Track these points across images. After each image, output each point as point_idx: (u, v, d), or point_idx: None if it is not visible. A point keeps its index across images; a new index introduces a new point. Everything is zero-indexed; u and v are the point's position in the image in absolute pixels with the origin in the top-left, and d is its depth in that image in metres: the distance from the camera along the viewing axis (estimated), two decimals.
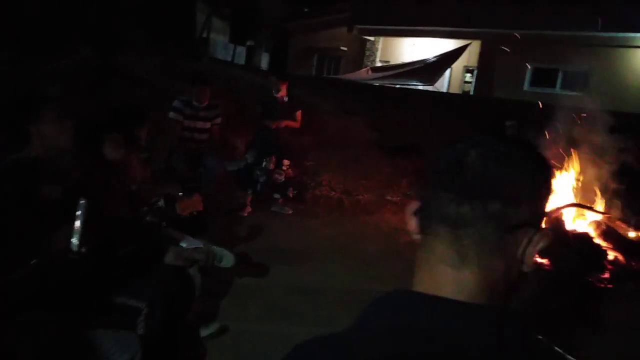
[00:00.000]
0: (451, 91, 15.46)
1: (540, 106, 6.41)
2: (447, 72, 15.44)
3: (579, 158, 5.67)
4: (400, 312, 0.65)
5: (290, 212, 5.64)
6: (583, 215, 5.16)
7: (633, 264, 4.60)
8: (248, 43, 18.33)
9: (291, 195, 5.89)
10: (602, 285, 4.34)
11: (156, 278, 2.29)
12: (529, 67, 14.03)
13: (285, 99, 5.54)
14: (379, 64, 16.79)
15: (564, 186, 5.64)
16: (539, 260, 4.65)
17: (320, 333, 0.68)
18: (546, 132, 5.81)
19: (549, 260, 4.60)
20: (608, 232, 4.95)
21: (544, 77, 13.81)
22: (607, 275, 4.46)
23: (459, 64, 15.27)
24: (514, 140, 0.70)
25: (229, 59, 16.24)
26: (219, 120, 5.03)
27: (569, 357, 0.64)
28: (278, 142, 5.50)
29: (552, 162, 5.75)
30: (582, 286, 4.23)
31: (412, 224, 0.73)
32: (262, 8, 16.33)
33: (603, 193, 5.43)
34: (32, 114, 1.97)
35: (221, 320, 2.97)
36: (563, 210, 5.03)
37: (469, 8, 14.05)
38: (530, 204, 0.67)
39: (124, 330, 2.00)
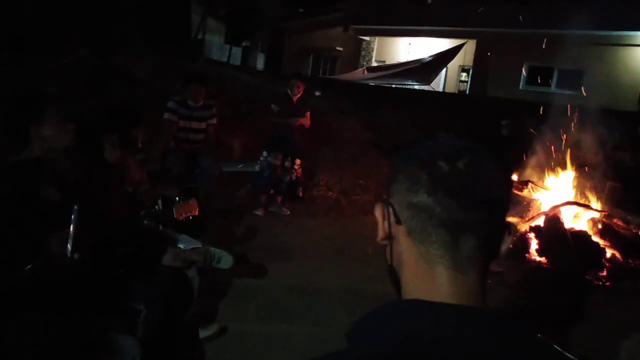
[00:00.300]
0: (447, 90, 15.50)
1: (541, 112, 6.43)
2: (443, 71, 15.48)
3: (575, 156, 5.69)
4: (410, 322, 0.63)
5: (288, 212, 5.64)
6: (580, 213, 5.17)
7: (630, 261, 4.62)
8: (244, 44, 18.28)
9: (301, 194, 5.98)
10: (600, 283, 4.36)
11: (154, 279, 2.28)
12: (525, 66, 14.08)
13: (299, 99, 5.71)
14: (374, 64, 16.80)
15: (561, 185, 5.66)
16: (537, 259, 4.66)
17: (330, 352, 0.63)
18: (541, 131, 5.83)
19: (548, 259, 4.61)
20: (605, 230, 4.97)
21: (539, 76, 13.85)
22: (604, 272, 4.47)
23: (454, 64, 15.30)
24: (478, 142, 0.70)
25: (225, 60, 16.20)
26: (214, 120, 5.00)
27: (570, 356, 0.64)
28: (293, 141, 5.66)
29: (549, 159, 5.77)
30: (580, 284, 4.25)
31: (387, 227, 0.71)
32: (257, 9, 16.29)
33: (599, 191, 5.45)
34: (32, 115, 1.95)
35: (220, 321, 2.96)
36: (561, 209, 5.04)
37: (465, 8, 14.09)
38: (509, 202, 0.71)
39: (123, 332, 1.99)
